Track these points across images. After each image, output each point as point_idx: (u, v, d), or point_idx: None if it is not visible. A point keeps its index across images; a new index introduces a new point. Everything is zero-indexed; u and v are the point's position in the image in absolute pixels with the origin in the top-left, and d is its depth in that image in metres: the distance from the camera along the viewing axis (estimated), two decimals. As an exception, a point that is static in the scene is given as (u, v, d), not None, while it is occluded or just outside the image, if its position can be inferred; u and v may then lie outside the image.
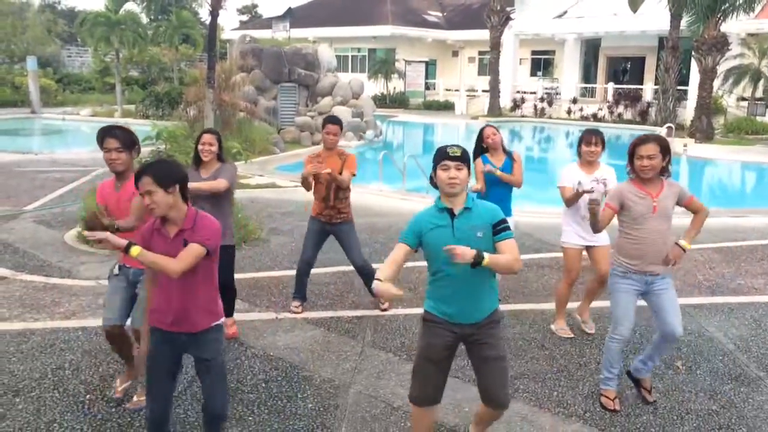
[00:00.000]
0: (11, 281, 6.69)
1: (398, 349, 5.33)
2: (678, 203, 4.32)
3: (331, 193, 5.85)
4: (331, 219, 5.96)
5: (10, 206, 10.20)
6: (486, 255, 3.17)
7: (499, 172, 5.91)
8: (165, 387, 3.48)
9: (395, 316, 6.02)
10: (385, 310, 6.14)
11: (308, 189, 5.84)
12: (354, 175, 5.88)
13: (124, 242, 3.14)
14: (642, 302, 4.46)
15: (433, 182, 3.40)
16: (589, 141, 5.36)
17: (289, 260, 7.64)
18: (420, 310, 6.01)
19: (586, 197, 5.20)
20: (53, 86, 32.27)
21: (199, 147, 5.13)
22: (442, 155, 3.32)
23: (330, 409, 4.38)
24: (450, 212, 3.34)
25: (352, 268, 7.08)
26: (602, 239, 5.49)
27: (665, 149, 4.20)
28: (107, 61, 31.49)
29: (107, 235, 3.18)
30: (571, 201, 5.40)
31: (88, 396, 4.44)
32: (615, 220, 4.46)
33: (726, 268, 7.69)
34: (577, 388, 4.71)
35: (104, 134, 4.14)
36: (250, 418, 4.22)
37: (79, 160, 15.30)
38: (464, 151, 3.34)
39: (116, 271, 4.30)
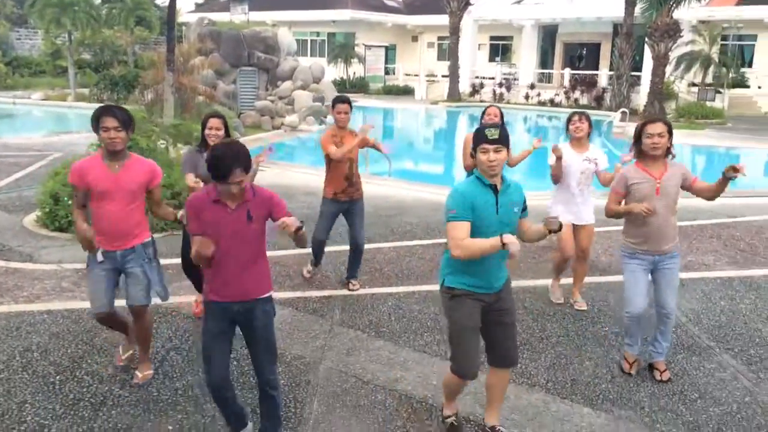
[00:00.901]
0: (-29, 266, 6.58)
1: (366, 326, 5.44)
2: (683, 185, 4.45)
3: (354, 170, 6.05)
4: (353, 196, 6.12)
5: (-36, 191, 9.95)
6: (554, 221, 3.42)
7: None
8: (224, 353, 3.52)
9: (363, 296, 6.12)
10: (354, 290, 6.24)
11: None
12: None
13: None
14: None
15: (470, 160, 3.51)
16: (573, 119, 5.60)
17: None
18: (385, 290, 6.21)
19: (575, 174, 5.41)
20: (2, 69, 31.29)
21: (206, 131, 5.09)
22: (481, 137, 3.38)
23: (302, 384, 4.47)
24: (494, 189, 3.44)
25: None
26: (587, 218, 5.70)
27: (671, 130, 4.38)
28: (59, 44, 30.68)
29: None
30: (555, 174, 5.62)
31: (58, 377, 4.44)
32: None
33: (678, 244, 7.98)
34: (539, 360, 4.90)
35: (102, 113, 4.03)
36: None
37: (32, 145, 14.94)
38: (502, 132, 3.39)
39: (100, 257, 4.20)
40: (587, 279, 6.23)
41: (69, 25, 26.18)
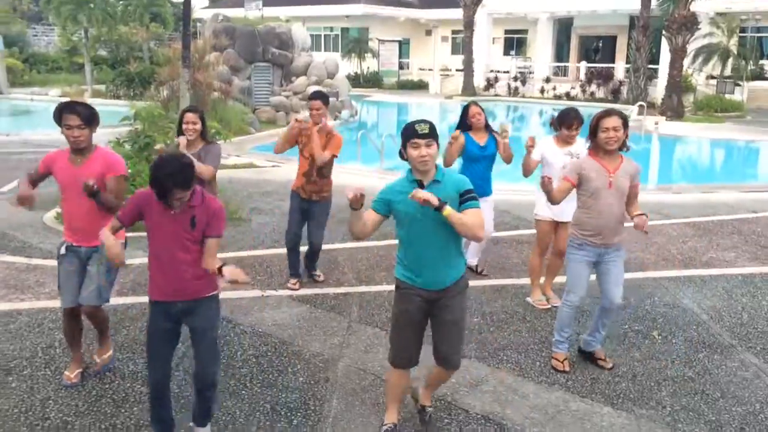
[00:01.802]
0: (-7, 263, 6.66)
1: (384, 323, 5.44)
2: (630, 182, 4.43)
3: (314, 169, 5.91)
4: (311, 196, 6.02)
5: (-15, 188, 10.06)
6: (448, 206, 3.29)
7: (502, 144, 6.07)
8: (166, 353, 3.56)
9: (380, 293, 6.13)
10: (321, 280, 6.37)
11: (279, 151, 6.00)
12: (335, 156, 5.94)
13: (123, 257, 3.31)
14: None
15: (403, 156, 3.48)
16: (571, 126, 5.46)
17: (271, 239, 7.70)
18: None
19: (558, 169, 5.36)
20: (20, 66, 31.52)
21: (183, 126, 5.14)
22: (411, 133, 3.37)
23: (321, 382, 4.48)
24: (420, 183, 3.43)
25: (335, 246, 7.22)
26: (568, 215, 5.62)
27: (626, 123, 4.38)
28: (75, 41, 30.79)
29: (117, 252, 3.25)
30: (525, 166, 5.61)
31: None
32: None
33: (698, 242, 7.93)
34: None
35: (63, 110, 3.98)
36: (244, 392, 4.31)
37: (51, 141, 15.02)
38: (432, 127, 3.39)
39: (62, 251, 4.21)
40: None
41: (85, 21, 26.35)
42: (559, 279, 6.42)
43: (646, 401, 4.30)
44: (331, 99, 22.34)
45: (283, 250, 6.42)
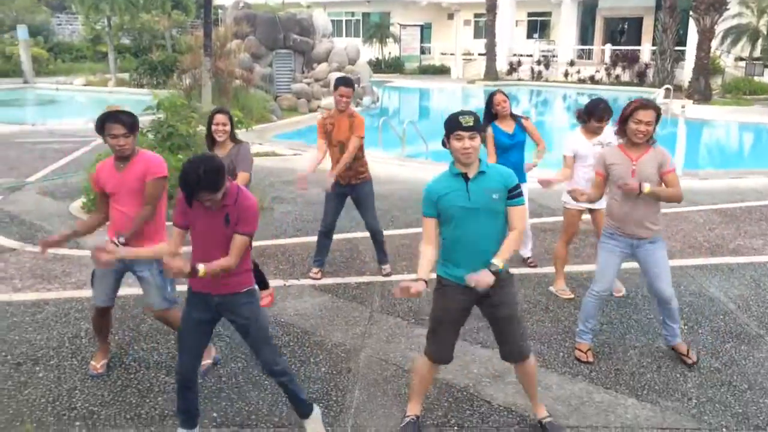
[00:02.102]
0: (21, 252, 6.76)
1: (406, 313, 5.44)
2: (659, 171, 4.32)
3: (345, 154, 5.88)
4: (350, 180, 6.00)
5: (13, 178, 10.21)
6: (498, 262, 3.36)
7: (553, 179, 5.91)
8: (196, 343, 3.60)
9: (402, 282, 6.10)
10: (387, 275, 6.23)
11: (321, 158, 5.97)
12: (361, 137, 5.93)
13: (188, 268, 3.23)
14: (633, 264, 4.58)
15: (446, 145, 3.46)
16: (602, 118, 5.38)
17: (294, 228, 7.72)
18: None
19: (589, 158, 5.30)
20: (45, 55, 31.87)
21: (213, 128, 5.11)
22: (455, 125, 3.34)
23: (343, 372, 4.49)
24: (464, 176, 3.41)
25: (357, 234, 7.20)
26: (601, 203, 5.55)
27: (658, 118, 4.29)
28: (98, 29, 31.07)
29: (178, 266, 3.20)
30: (565, 176, 5.55)
31: (107, 363, 4.54)
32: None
33: (725, 229, 7.79)
34: (583, 349, 4.83)
35: (107, 120, 4.00)
36: (266, 383, 4.33)
37: (76, 131, 15.23)
38: (476, 119, 3.37)
39: None
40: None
41: (108, 10, 26.48)
42: (576, 268, 6.38)
43: (671, 393, 4.25)
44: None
45: (306, 239, 6.44)
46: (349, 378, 4.42)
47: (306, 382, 4.35)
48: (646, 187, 4.03)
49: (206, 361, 4.50)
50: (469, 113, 3.39)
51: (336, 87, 5.88)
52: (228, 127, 5.12)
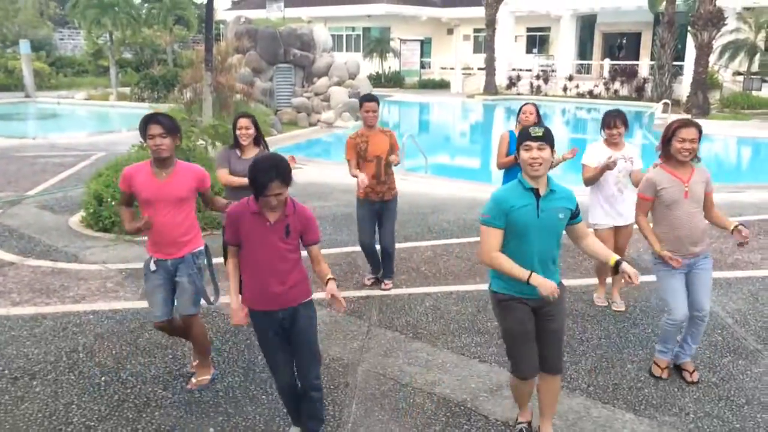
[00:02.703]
0: (19, 266, 6.77)
1: (404, 327, 5.44)
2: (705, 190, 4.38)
3: (382, 170, 5.98)
4: (384, 196, 6.08)
5: (13, 192, 10.24)
6: (614, 259, 3.53)
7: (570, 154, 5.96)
8: (282, 359, 3.63)
9: (400, 296, 6.12)
10: (387, 289, 6.25)
11: (355, 173, 5.99)
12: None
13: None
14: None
15: (516, 159, 3.51)
16: (610, 124, 5.43)
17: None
18: (422, 290, 6.20)
19: (613, 173, 5.34)
20: (46, 70, 32.09)
21: (237, 132, 5.23)
22: (524, 136, 3.39)
23: (340, 387, 4.49)
24: (536, 192, 3.42)
25: (356, 249, 7.19)
26: (629, 218, 5.55)
27: (701, 135, 4.29)
28: (100, 44, 31.27)
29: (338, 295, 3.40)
30: (591, 179, 5.52)
31: (103, 378, 4.54)
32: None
33: (723, 243, 7.79)
34: (580, 363, 4.83)
35: (148, 121, 4.11)
36: (264, 397, 4.33)
37: (77, 144, 15.30)
38: (547, 131, 3.39)
39: (153, 267, 4.26)
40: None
41: (110, 25, 26.70)
42: (576, 282, 6.38)
43: (669, 407, 4.24)
44: (352, 99, 22.36)
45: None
46: (346, 392, 4.41)
47: (303, 396, 4.34)
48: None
49: (205, 377, 4.50)
50: (540, 126, 3.43)
51: (361, 104, 6.00)
52: (251, 131, 5.22)
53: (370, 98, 6.02)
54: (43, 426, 3.97)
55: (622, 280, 3.54)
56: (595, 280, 6.18)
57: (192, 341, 4.50)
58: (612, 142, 5.49)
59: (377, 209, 6.15)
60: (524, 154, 3.37)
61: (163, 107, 15.11)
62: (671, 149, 4.29)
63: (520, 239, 3.43)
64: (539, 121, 6.19)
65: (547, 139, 3.36)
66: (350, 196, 8.85)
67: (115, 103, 25.20)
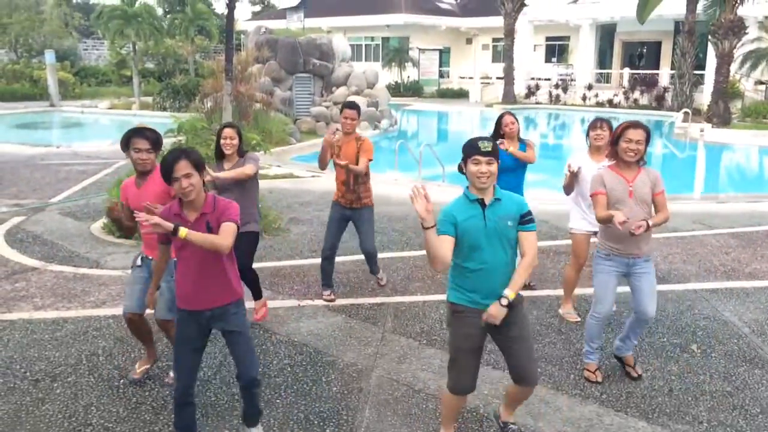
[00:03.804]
0: (42, 272, 6.91)
1: (418, 334, 5.48)
2: (652, 191, 4.41)
3: (351, 177, 6.00)
4: (352, 204, 6.10)
5: (37, 199, 10.45)
6: (510, 293, 3.42)
7: (513, 149, 5.99)
8: (192, 362, 3.69)
9: (415, 303, 6.16)
10: (383, 283, 6.46)
11: (323, 167, 6.06)
12: (370, 160, 6.02)
13: (170, 225, 3.28)
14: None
15: (462, 170, 3.52)
16: (595, 125, 5.48)
17: (309, 249, 7.80)
18: (437, 297, 6.23)
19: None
20: (71, 79, 32.61)
21: (221, 141, 5.30)
22: (473, 149, 3.41)
23: (354, 392, 4.53)
24: (481, 203, 3.46)
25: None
26: None
27: (649, 138, 4.39)
28: (123, 54, 31.77)
29: (158, 219, 3.28)
30: (565, 187, 5.59)
31: (122, 380, 4.63)
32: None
33: (742, 253, 7.74)
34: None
35: (134, 135, 4.24)
36: (278, 401, 4.39)
37: (100, 153, 15.55)
38: (495, 145, 3.43)
39: (139, 262, 4.45)
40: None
41: (133, 35, 27.14)
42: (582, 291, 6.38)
43: (682, 416, 4.24)
44: (370, 108, 22.47)
45: (316, 261, 6.53)
46: (360, 397, 4.46)
47: (317, 401, 4.40)
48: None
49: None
50: (488, 139, 3.46)
51: (341, 110, 6.05)
52: (236, 141, 5.29)
53: (350, 105, 6.03)
54: (63, 427, 4.06)
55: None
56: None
57: (171, 341, 4.53)
58: (596, 146, 5.48)
59: (346, 216, 6.15)
60: (472, 168, 3.40)
61: (184, 116, 15.31)
62: (618, 150, 4.37)
63: (470, 251, 3.46)
64: (518, 131, 6.20)
65: (495, 153, 3.41)
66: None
67: (138, 112, 25.55)
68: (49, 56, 28.39)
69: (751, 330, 5.57)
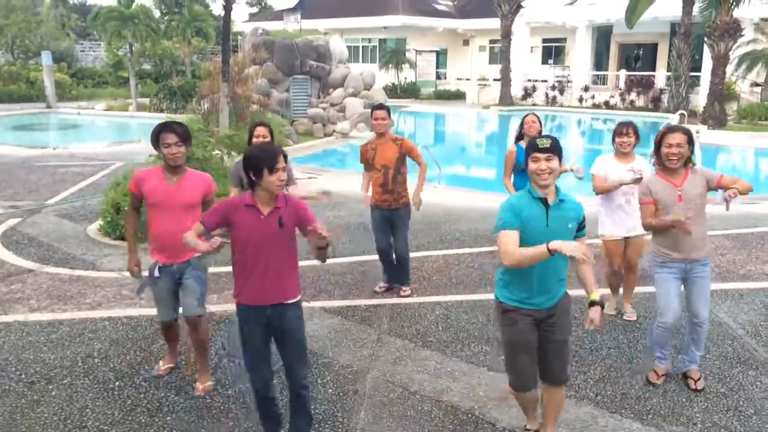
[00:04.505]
0: (38, 274, 6.91)
1: (414, 336, 5.48)
2: (710, 187, 4.40)
3: (389, 178, 6.05)
4: (391, 204, 6.14)
5: (33, 200, 10.44)
6: (596, 295, 3.52)
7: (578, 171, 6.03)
8: (264, 357, 3.72)
9: (410, 305, 6.17)
10: (405, 295, 6.35)
11: (366, 187, 6.24)
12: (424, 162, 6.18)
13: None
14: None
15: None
16: (621, 132, 5.47)
17: (305, 251, 7.77)
18: (433, 299, 6.24)
19: (624, 186, 5.35)
20: (67, 81, 32.56)
21: (254, 140, 5.34)
22: (532, 147, 3.43)
23: (349, 393, 4.54)
24: (544, 202, 3.45)
25: (367, 258, 7.29)
26: (636, 229, 5.55)
27: (691, 140, 4.35)
28: (120, 55, 31.74)
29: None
30: (602, 190, 5.56)
31: (117, 383, 4.63)
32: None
33: (737, 254, 7.77)
34: (589, 373, 4.84)
35: (162, 130, 4.23)
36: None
37: (96, 154, 15.54)
38: (554, 142, 3.42)
39: (157, 273, 4.38)
40: (639, 289, 6.14)
41: (130, 37, 27.08)
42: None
43: (676, 417, 4.25)
44: (367, 110, 22.46)
45: (316, 262, 6.51)
46: (355, 399, 4.47)
47: (313, 402, 4.38)
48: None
49: (209, 382, 4.59)
50: (548, 136, 3.46)
51: (371, 113, 6.09)
52: (268, 139, 5.31)
53: (379, 107, 6.10)
54: (59, 429, 4.06)
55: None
56: (606, 290, 6.17)
57: (195, 344, 4.57)
58: (622, 152, 5.50)
59: (387, 216, 6.20)
60: (532, 165, 3.41)
61: (180, 117, 15.30)
62: (661, 156, 4.37)
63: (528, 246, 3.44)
64: (542, 130, 6.22)
65: (555, 149, 3.40)
66: (364, 206, 8.93)
67: (135, 113, 25.54)
68: (46, 58, 28.35)
69: (745, 331, 5.59)
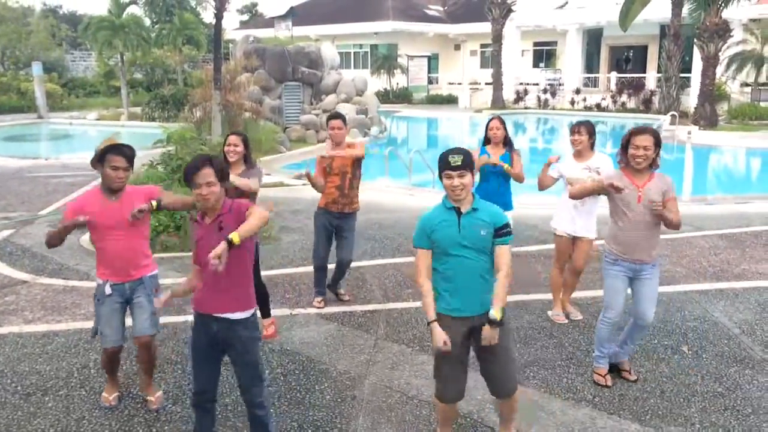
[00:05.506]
0: (32, 285, 6.87)
1: (411, 341, 5.48)
2: (663, 197, 4.38)
3: (346, 181, 6.02)
4: (343, 209, 6.09)
5: (26, 211, 10.39)
6: (497, 313, 3.39)
7: (501, 162, 6.02)
8: (209, 369, 3.66)
9: (407, 309, 6.16)
10: (348, 299, 6.41)
11: (320, 190, 6.05)
12: (362, 157, 6.04)
13: (225, 246, 3.25)
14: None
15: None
16: (573, 130, 5.54)
17: (301, 257, 7.80)
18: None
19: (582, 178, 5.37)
20: (58, 91, 32.45)
21: (226, 148, 5.28)
22: (444, 164, 3.45)
23: (347, 399, 4.53)
24: (457, 210, 3.50)
25: (363, 263, 7.28)
26: (588, 232, 5.64)
27: (658, 142, 4.38)
28: (111, 65, 31.70)
29: (220, 256, 3.21)
30: (541, 180, 5.70)
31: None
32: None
33: (731, 254, 7.80)
34: (586, 374, 4.84)
35: (111, 151, 4.08)
36: (271, 410, 4.36)
37: (88, 164, 15.45)
38: (465, 157, 3.44)
39: (108, 291, 4.20)
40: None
41: (121, 46, 27.05)
42: (580, 294, 6.41)
43: (674, 417, 4.26)
44: (360, 116, 22.51)
45: (308, 269, 6.51)
46: (353, 405, 4.46)
47: (311, 409, 4.39)
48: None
49: (160, 392, 4.53)
50: (459, 152, 3.46)
51: (327, 123, 6.10)
52: (240, 148, 5.25)
53: (335, 116, 6.08)
54: (55, 441, 4.04)
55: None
56: (600, 292, 6.16)
57: (144, 363, 4.41)
58: (577, 150, 5.54)
59: (335, 222, 6.13)
60: (446, 182, 3.46)
61: (173, 126, 15.27)
62: (627, 157, 4.39)
63: (446, 258, 3.50)
64: (507, 135, 6.19)
65: (466, 165, 3.43)
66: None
67: (126, 122, 25.48)
68: (37, 68, 28.26)
69: (741, 330, 5.61)
